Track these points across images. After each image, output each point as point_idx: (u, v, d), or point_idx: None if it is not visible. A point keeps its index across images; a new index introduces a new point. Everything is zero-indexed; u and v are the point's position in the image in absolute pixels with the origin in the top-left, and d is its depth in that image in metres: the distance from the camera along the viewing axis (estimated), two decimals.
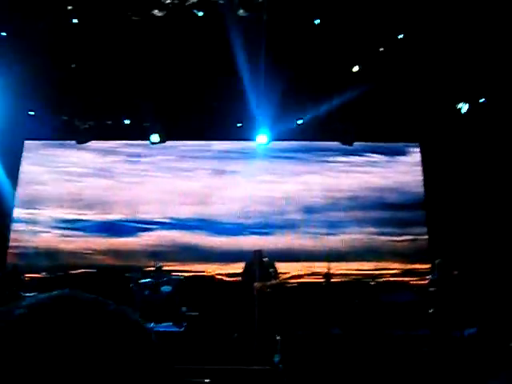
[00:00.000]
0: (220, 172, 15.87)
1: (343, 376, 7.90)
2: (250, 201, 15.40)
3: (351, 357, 8.80)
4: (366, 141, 15.39)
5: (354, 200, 15.46)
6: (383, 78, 13.08)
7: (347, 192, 15.52)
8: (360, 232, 15.18)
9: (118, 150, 16.08)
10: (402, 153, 15.91)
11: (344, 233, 15.19)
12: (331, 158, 15.83)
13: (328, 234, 15.13)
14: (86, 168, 15.86)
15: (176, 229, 15.38)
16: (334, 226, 15.25)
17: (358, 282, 14.18)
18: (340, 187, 15.56)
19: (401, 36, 12.24)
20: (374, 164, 15.81)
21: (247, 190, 15.48)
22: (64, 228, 15.43)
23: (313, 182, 15.58)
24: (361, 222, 15.28)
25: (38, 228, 15.44)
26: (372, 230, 15.21)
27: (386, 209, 15.39)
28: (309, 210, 15.35)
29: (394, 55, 12.49)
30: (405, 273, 14.76)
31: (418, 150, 15.78)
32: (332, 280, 12.34)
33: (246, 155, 15.94)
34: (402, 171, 15.76)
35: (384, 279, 14.57)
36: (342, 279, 14.09)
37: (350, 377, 8.01)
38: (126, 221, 15.49)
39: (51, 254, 15.15)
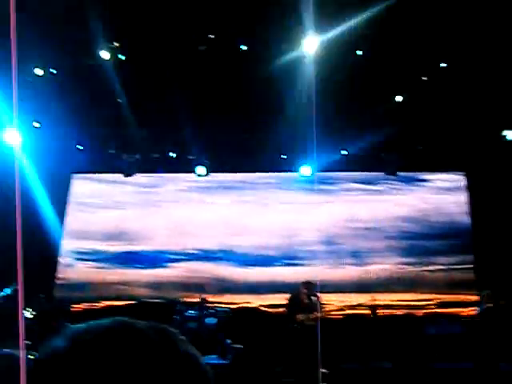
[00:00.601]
0: (242, 202, 15.96)
1: None
2: (274, 231, 15.44)
3: None
4: (409, 171, 15.24)
5: (378, 230, 15.32)
6: (427, 107, 12.96)
7: (371, 222, 15.40)
8: (391, 262, 15.01)
9: (133, 181, 16.34)
10: (424, 181, 15.74)
11: (373, 263, 15.04)
12: (352, 187, 15.86)
13: (357, 265, 15.00)
14: (112, 200, 16.20)
15: (203, 260, 15.49)
16: (360, 256, 15.12)
17: (403, 314, 13.94)
18: (363, 216, 15.48)
19: (444, 65, 12.15)
20: (397, 193, 15.68)
21: (270, 221, 15.51)
22: (97, 260, 15.74)
23: (336, 212, 15.51)
24: (389, 252, 15.10)
25: (77, 260, 15.79)
26: (403, 259, 15.02)
27: (417, 238, 15.18)
28: (334, 240, 15.27)
29: (437, 84, 12.38)
30: (451, 303, 14.45)
31: (442, 177, 15.62)
32: (377, 312, 12.14)
33: (268, 186, 16.01)
34: (426, 199, 15.59)
35: (429, 310, 14.30)
36: (387, 311, 13.87)
37: None
38: (152, 252, 15.68)
39: (90, 286, 15.46)
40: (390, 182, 15.64)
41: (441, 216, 15.35)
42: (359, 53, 12.14)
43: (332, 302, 14.18)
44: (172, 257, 15.62)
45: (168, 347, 0.95)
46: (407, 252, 15.13)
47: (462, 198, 15.37)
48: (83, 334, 0.95)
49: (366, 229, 15.36)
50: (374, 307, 12.04)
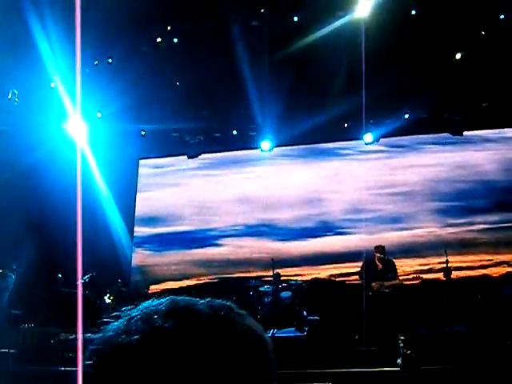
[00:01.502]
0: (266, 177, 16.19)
1: (467, 374, 7.68)
2: (310, 203, 15.55)
3: (476, 355, 8.53)
4: (476, 129, 14.80)
5: (416, 193, 15.06)
6: (488, 62, 12.55)
7: (407, 185, 15.18)
8: (436, 225, 14.74)
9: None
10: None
11: (418, 227, 14.81)
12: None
13: (403, 229, 14.78)
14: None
15: (249, 236, 15.81)
16: (404, 221, 14.92)
17: (479, 276, 13.67)
18: (398, 181, 15.28)
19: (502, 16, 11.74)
20: (428, 154, 15.39)
21: (303, 192, 15.62)
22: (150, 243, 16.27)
23: (366, 178, 15.48)
24: (431, 215, 14.83)
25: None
26: (448, 221, 14.72)
27: (458, 199, 14.80)
28: (374, 206, 15.20)
29: (497, 38, 11.95)
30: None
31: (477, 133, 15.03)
32: (452, 275, 11.91)
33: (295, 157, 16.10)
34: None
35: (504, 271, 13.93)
36: (461, 273, 13.61)
37: (475, 376, 7.77)
38: (198, 231, 16.12)
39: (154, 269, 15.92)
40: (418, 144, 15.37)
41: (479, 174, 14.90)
42: (413, 12, 11.84)
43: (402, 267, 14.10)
44: (218, 234, 15.90)
45: (225, 324, 0.98)
46: (449, 213, 14.78)
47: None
48: (141, 316, 0.98)
49: (403, 193, 15.14)
50: (447, 270, 11.77)
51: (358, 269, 12.16)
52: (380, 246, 11.77)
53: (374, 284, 11.24)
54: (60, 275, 12.68)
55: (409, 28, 11.77)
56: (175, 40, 12.22)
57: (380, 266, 11.47)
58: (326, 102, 14.32)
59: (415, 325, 11.04)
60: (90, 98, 13.05)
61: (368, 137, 14.62)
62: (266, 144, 14.98)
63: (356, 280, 12.31)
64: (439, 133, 14.88)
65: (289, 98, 14.37)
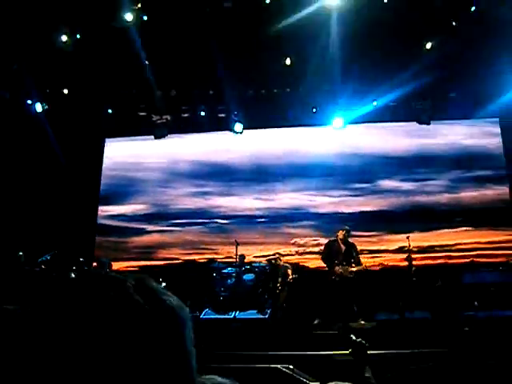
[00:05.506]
0: None
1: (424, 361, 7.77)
2: None
3: (435, 341, 8.63)
4: (443, 119, 14.89)
5: None
6: (458, 53, 12.63)
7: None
8: None
9: None
10: None
11: None
12: None
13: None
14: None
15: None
16: None
17: (440, 264, 13.82)
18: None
19: (473, 8, 11.78)
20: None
21: None
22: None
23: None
24: None
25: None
26: None
27: None
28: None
29: (467, 29, 12.01)
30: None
31: None
32: (414, 261, 11.89)
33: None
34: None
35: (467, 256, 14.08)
36: (423, 260, 13.75)
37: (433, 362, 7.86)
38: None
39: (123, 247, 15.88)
40: None
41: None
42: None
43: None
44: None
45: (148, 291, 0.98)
46: None
47: None
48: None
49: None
50: (410, 258, 11.73)
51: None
52: (345, 228, 11.65)
53: (337, 268, 11.13)
54: (21, 253, 12.47)
55: (381, 15, 11.76)
56: (145, 18, 12.03)
57: (343, 248, 11.36)
58: (296, 86, 14.34)
59: (375, 310, 11.14)
60: (57, 75, 12.86)
61: (337, 122, 14.64)
62: (238, 126, 14.92)
63: (320, 262, 12.19)
64: (407, 121, 14.93)
65: (259, 81, 14.35)
